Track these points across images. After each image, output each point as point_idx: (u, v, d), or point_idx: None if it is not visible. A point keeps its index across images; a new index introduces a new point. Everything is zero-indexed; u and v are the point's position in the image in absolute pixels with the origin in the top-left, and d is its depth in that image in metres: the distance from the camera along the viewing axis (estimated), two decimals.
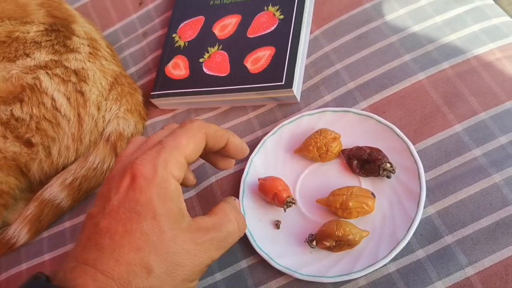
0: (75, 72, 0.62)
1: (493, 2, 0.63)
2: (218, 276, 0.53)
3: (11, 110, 0.59)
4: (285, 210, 0.52)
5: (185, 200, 0.58)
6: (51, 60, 0.62)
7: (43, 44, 0.62)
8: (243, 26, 0.66)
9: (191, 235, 0.39)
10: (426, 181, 0.50)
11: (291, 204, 0.52)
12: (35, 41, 0.62)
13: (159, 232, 0.37)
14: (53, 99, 0.60)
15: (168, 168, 0.39)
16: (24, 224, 0.61)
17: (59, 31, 0.64)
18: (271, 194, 0.52)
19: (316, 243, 0.50)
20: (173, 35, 0.70)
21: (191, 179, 0.49)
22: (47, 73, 0.61)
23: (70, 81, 0.61)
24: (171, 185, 0.39)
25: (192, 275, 0.39)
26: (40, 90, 0.60)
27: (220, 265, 0.54)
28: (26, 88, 0.59)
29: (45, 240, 0.62)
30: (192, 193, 0.60)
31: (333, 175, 0.54)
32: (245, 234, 0.53)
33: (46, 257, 0.61)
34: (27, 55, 0.61)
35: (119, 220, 0.37)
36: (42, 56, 0.61)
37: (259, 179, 0.55)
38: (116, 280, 0.36)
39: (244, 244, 0.53)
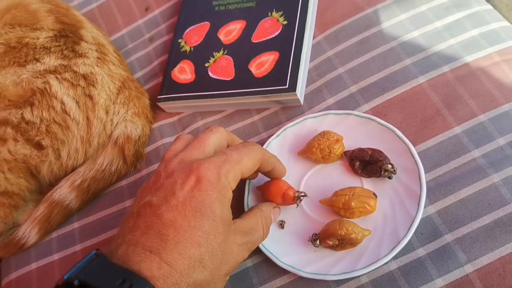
0: (84, 77, 0.63)
1: (492, 8, 0.64)
2: None
3: (22, 114, 0.60)
4: (297, 205, 0.53)
5: None
6: (60, 65, 0.63)
7: (52, 49, 0.64)
8: (248, 31, 0.67)
9: (235, 237, 0.44)
10: (427, 182, 0.52)
11: (302, 197, 0.53)
12: (44, 47, 0.64)
13: (216, 232, 0.42)
14: (62, 102, 0.62)
15: (228, 178, 0.44)
16: (34, 224, 0.62)
17: (67, 37, 0.66)
18: (279, 195, 0.53)
19: (320, 242, 0.51)
20: (179, 40, 0.71)
21: None
22: (57, 77, 0.62)
23: (79, 85, 0.63)
24: (228, 193, 0.44)
25: (230, 271, 0.44)
26: (50, 94, 0.61)
27: None
28: (36, 92, 0.61)
29: (54, 240, 0.64)
30: None
31: (335, 176, 0.55)
32: None
33: (55, 257, 0.62)
34: (37, 60, 0.63)
35: (184, 215, 0.41)
36: (51, 61, 0.63)
37: (257, 187, 0.56)
38: (178, 272, 0.39)
39: None
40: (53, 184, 0.64)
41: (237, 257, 0.45)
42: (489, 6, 0.64)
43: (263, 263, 0.54)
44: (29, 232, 0.63)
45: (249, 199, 0.57)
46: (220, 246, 0.42)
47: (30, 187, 0.63)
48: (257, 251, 0.54)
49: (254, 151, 0.48)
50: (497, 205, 0.49)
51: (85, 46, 0.66)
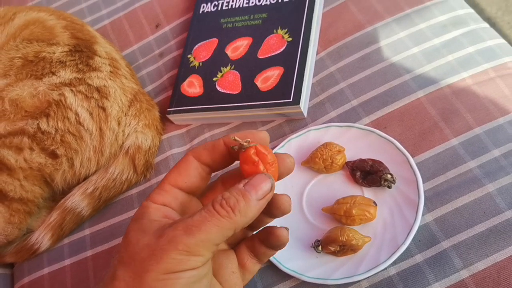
0: (97, 89, 0.66)
1: (488, 26, 0.67)
2: None
3: (38, 124, 0.63)
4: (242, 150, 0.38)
5: None
6: (75, 78, 0.66)
7: (67, 63, 0.67)
8: (254, 47, 0.71)
9: (157, 232, 0.36)
10: (424, 191, 0.54)
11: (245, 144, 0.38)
12: (60, 61, 0.67)
13: (126, 244, 0.37)
14: (77, 114, 0.64)
15: (149, 198, 0.39)
16: (47, 231, 0.65)
17: (82, 52, 0.69)
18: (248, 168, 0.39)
19: (322, 248, 0.53)
20: (189, 56, 0.74)
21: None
22: (72, 90, 0.65)
23: (93, 97, 0.66)
24: (149, 208, 0.38)
25: (162, 267, 0.34)
26: (65, 106, 0.64)
27: None
28: (52, 104, 0.64)
29: (66, 246, 0.66)
30: None
31: (337, 185, 0.58)
32: None
33: (67, 262, 0.65)
34: (53, 73, 0.66)
35: None
36: (66, 74, 0.66)
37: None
38: None
39: None
40: (66, 191, 0.67)
41: None
42: (486, 24, 0.67)
43: (267, 268, 0.56)
44: (42, 238, 0.65)
45: None
46: None
47: (44, 195, 0.66)
48: None
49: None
50: (492, 214, 0.51)
51: (99, 60, 0.70)
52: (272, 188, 0.37)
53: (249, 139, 0.37)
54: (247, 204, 0.35)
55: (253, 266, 0.43)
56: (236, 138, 0.37)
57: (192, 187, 0.39)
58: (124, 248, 0.35)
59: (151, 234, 0.35)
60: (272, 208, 0.39)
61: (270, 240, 0.41)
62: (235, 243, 0.43)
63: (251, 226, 0.41)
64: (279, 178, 0.40)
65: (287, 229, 0.42)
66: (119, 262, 0.35)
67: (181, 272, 0.33)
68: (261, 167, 0.37)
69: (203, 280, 0.35)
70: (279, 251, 0.55)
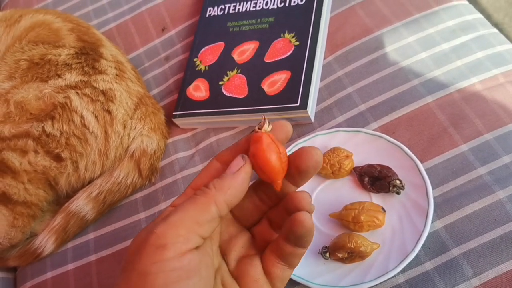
0: (103, 92, 0.66)
1: (497, 31, 0.67)
2: None
3: (43, 127, 0.63)
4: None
5: None
6: (80, 81, 0.66)
7: (73, 66, 0.67)
8: (261, 51, 0.70)
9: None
10: (434, 197, 0.53)
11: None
12: (66, 63, 0.67)
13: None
14: (82, 117, 0.64)
15: (171, 203, 0.39)
16: (50, 234, 0.64)
17: (88, 54, 0.69)
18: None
19: (329, 254, 0.52)
20: (195, 59, 0.74)
21: None
22: (77, 92, 0.65)
23: (98, 100, 0.65)
24: (165, 211, 0.38)
25: (143, 260, 0.32)
26: (70, 109, 0.64)
27: None
28: (57, 107, 0.63)
29: (69, 250, 0.66)
30: None
31: (345, 191, 0.57)
32: None
33: (70, 266, 0.64)
34: (59, 76, 0.65)
35: None
36: (72, 77, 0.66)
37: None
38: None
39: None
40: (70, 195, 0.66)
41: None
42: (495, 30, 0.66)
43: None
44: (45, 241, 0.64)
45: None
46: None
47: (48, 198, 0.65)
48: None
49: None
50: (502, 221, 0.50)
51: (105, 63, 0.69)
52: (245, 160, 0.35)
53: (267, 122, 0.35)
54: (220, 179, 0.34)
55: (282, 272, 0.38)
56: (264, 117, 0.36)
57: None
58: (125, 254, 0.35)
59: (144, 231, 0.34)
60: (295, 166, 0.35)
61: (294, 230, 0.35)
62: (263, 247, 0.39)
63: (276, 223, 0.38)
64: (308, 175, 0.36)
65: (310, 210, 0.36)
66: (119, 269, 0.34)
67: (162, 262, 0.31)
68: (270, 151, 0.34)
69: (193, 277, 0.32)
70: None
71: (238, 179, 0.34)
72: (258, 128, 0.35)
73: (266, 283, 0.38)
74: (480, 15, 0.69)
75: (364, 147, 0.59)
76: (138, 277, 0.31)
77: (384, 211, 0.53)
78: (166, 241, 0.31)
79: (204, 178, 0.37)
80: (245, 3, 0.76)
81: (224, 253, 0.39)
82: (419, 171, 0.55)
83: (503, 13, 1.32)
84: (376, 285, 0.50)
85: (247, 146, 0.36)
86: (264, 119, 0.35)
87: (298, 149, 0.35)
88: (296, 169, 0.35)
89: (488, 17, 1.29)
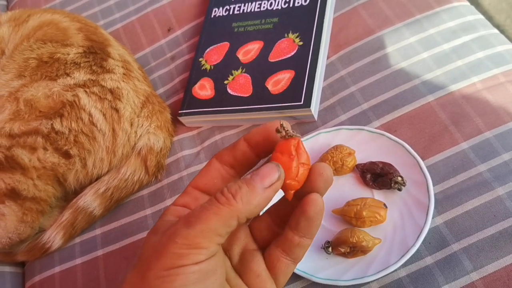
0: (111, 91, 0.67)
1: (497, 31, 0.68)
2: None
3: (52, 124, 0.64)
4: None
5: None
6: (89, 79, 0.67)
7: (81, 65, 0.68)
8: (265, 51, 0.71)
9: (164, 230, 0.35)
10: (435, 194, 0.54)
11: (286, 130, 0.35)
12: (74, 62, 0.68)
13: (140, 248, 0.36)
14: (90, 115, 0.65)
15: (173, 202, 0.38)
16: (58, 230, 0.66)
17: (96, 54, 0.70)
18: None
19: (332, 249, 0.54)
20: (200, 59, 0.75)
21: None
22: (85, 91, 0.66)
23: (106, 98, 0.67)
24: (169, 210, 0.37)
25: (163, 263, 0.32)
26: (79, 107, 0.65)
27: None
28: (66, 104, 0.65)
29: (77, 245, 0.67)
30: None
31: (348, 188, 0.58)
32: None
33: (78, 261, 0.65)
34: (67, 75, 0.67)
35: None
36: (81, 75, 0.67)
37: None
38: None
39: None
40: (78, 191, 0.68)
41: None
42: (495, 30, 0.67)
43: None
44: (53, 237, 0.66)
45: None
46: None
47: (57, 194, 0.67)
48: None
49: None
50: (502, 217, 0.52)
51: (112, 62, 0.71)
52: (280, 177, 0.33)
53: (293, 132, 0.34)
54: (251, 191, 0.32)
55: (286, 267, 0.38)
56: (284, 124, 0.34)
57: (212, 188, 0.37)
58: (138, 252, 0.34)
59: (159, 233, 0.33)
60: (311, 181, 0.35)
61: (307, 211, 0.35)
62: (265, 243, 0.39)
63: (281, 222, 0.38)
64: (319, 191, 0.35)
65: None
66: (130, 265, 0.34)
67: (182, 267, 0.31)
68: (295, 163, 0.34)
69: (211, 277, 0.32)
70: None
71: (267, 196, 0.33)
72: (283, 134, 0.34)
73: (269, 278, 0.38)
74: (480, 16, 0.70)
75: (367, 145, 0.60)
76: (155, 278, 0.31)
77: (386, 207, 0.54)
78: (188, 251, 0.31)
79: (205, 178, 0.37)
80: (249, 4, 0.77)
81: (226, 248, 0.39)
82: (420, 168, 0.56)
83: (505, 15, 1.33)
84: (378, 279, 0.52)
85: (245, 147, 0.36)
86: (281, 125, 0.34)
87: (303, 199, 0.35)
88: (304, 217, 0.35)
89: (489, 19, 1.30)
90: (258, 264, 0.38)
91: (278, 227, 0.39)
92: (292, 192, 0.35)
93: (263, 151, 0.37)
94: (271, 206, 0.40)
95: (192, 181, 0.38)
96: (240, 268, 0.38)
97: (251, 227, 0.40)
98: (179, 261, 0.31)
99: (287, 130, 0.34)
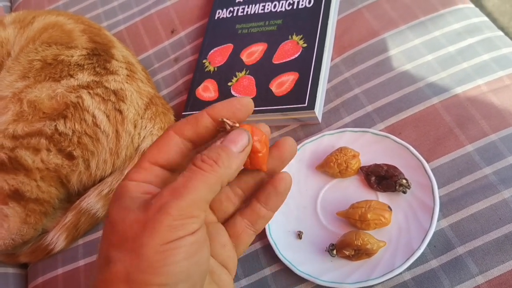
0: (114, 92, 0.67)
1: (502, 34, 0.68)
2: (243, 282, 0.57)
3: (55, 126, 0.64)
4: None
5: None
6: (92, 81, 0.67)
7: (85, 66, 0.68)
8: (269, 53, 0.71)
9: (142, 206, 0.33)
10: (440, 197, 0.54)
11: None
12: (78, 64, 0.68)
13: (110, 225, 0.33)
14: (94, 116, 0.65)
15: (127, 178, 0.36)
16: (62, 231, 0.65)
17: (100, 55, 0.70)
18: None
19: (336, 252, 0.53)
20: (204, 61, 0.75)
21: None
22: (89, 92, 0.66)
23: (110, 100, 0.67)
24: (127, 186, 0.35)
25: (158, 238, 0.31)
26: (82, 108, 0.65)
27: (245, 272, 0.58)
28: (70, 106, 0.65)
29: (80, 247, 0.67)
30: None
31: (352, 190, 0.58)
32: (269, 243, 0.57)
33: (81, 263, 0.65)
34: (71, 76, 0.67)
35: None
36: (84, 77, 0.67)
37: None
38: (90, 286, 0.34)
39: (268, 252, 0.57)
40: (81, 193, 0.67)
41: (146, 226, 0.32)
42: (500, 33, 0.67)
43: (281, 272, 0.56)
44: (56, 238, 0.66)
45: None
46: (119, 230, 0.33)
47: (60, 196, 0.67)
48: (276, 260, 0.56)
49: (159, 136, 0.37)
50: (507, 220, 0.51)
51: (116, 64, 0.71)
52: (249, 140, 0.35)
53: (237, 124, 0.35)
54: (228, 156, 0.33)
55: (249, 237, 0.40)
56: (225, 120, 0.35)
57: (172, 164, 0.36)
58: (110, 230, 0.33)
59: (135, 210, 0.32)
60: (276, 154, 0.38)
61: (277, 186, 0.38)
62: (225, 217, 0.40)
63: (245, 197, 0.40)
64: (284, 163, 0.39)
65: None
66: (109, 246, 0.33)
67: (180, 239, 0.31)
68: (258, 144, 0.36)
69: (204, 248, 0.33)
70: (293, 255, 0.55)
71: (242, 159, 0.34)
72: (229, 128, 0.35)
73: (233, 248, 0.39)
74: (485, 18, 0.70)
75: (371, 147, 0.60)
76: (155, 253, 0.31)
77: (391, 209, 0.54)
78: (182, 222, 0.31)
79: (164, 153, 0.36)
80: (253, 5, 0.77)
81: None
82: (425, 170, 0.55)
83: (508, 17, 1.33)
84: (383, 282, 0.51)
85: (209, 122, 0.35)
86: (226, 121, 0.35)
87: (277, 142, 0.38)
88: (274, 192, 0.38)
89: (493, 21, 1.30)
90: (223, 235, 0.39)
91: (239, 198, 0.40)
92: (265, 165, 0.37)
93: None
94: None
95: (147, 154, 0.36)
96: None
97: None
98: (176, 233, 0.31)
99: (230, 123, 0.35)
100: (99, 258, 0.34)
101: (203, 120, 0.36)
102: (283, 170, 0.39)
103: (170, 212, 0.31)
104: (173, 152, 0.36)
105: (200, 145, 0.37)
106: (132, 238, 0.32)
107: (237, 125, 0.35)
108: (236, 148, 0.34)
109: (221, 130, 0.35)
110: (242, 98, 0.36)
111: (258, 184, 0.39)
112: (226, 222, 0.40)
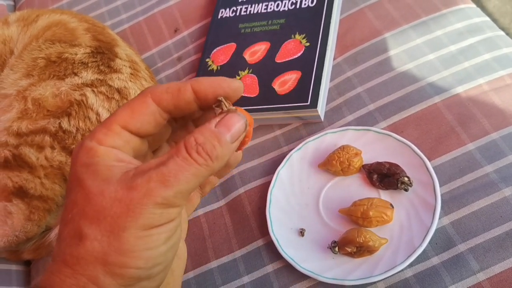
0: (118, 91, 0.68)
1: (503, 33, 0.68)
2: (246, 279, 0.57)
3: (60, 123, 0.64)
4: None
5: (215, 210, 0.63)
6: (96, 79, 0.68)
7: (89, 64, 0.69)
8: (272, 52, 0.72)
9: (124, 182, 0.31)
10: (441, 194, 0.54)
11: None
12: (82, 62, 0.68)
13: (85, 195, 0.32)
14: (97, 114, 0.66)
15: (94, 139, 0.33)
16: None
17: (103, 54, 0.71)
18: None
19: (339, 249, 0.54)
20: (207, 60, 0.76)
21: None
22: (93, 90, 0.66)
23: (114, 98, 0.67)
24: (98, 151, 0.33)
25: (141, 223, 0.31)
26: (86, 106, 0.65)
27: (247, 268, 0.58)
28: (74, 104, 0.65)
29: None
30: (221, 203, 0.64)
31: (354, 188, 0.58)
32: (271, 240, 0.57)
33: None
34: (75, 74, 0.67)
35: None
36: (88, 75, 0.68)
37: None
38: (56, 259, 0.33)
39: (271, 250, 0.58)
40: None
41: (134, 202, 0.31)
42: (501, 32, 0.68)
43: (283, 268, 0.56)
44: None
45: (271, 209, 0.60)
46: (95, 205, 0.32)
47: (64, 193, 0.67)
48: (278, 257, 0.57)
49: (132, 98, 0.35)
50: (508, 218, 0.52)
51: (120, 62, 0.71)
52: (246, 128, 0.34)
53: (233, 107, 0.34)
54: (224, 149, 0.32)
55: (197, 199, 0.41)
56: (223, 100, 0.34)
57: (144, 133, 0.35)
58: (85, 201, 0.31)
59: (116, 183, 0.31)
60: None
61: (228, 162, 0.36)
62: None
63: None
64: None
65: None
66: (81, 217, 0.31)
67: (161, 226, 0.31)
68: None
69: (178, 231, 0.34)
70: (295, 252, 0.56)
71: (234, 148, 0.33)
72: (225, 109, 0.34)
73: (185, 211, 0.41)
74: (487, 18, 0.70)
75: (373, 145, 0.60)
76: (136, 238, 0.31)
77: (393, 207, 0.54)
78: (166, 210, 0.32)
79: (137, 120, 0.34)
80: (256, 5, 0.77)
81: None
82: (427, 169, 0.56)
83: (509, 18, 1.33)
84: (384, 279, 0.52)
85: (191, 97, 0.34)
86: (223, 101, 0.34)
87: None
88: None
89: (494, 22, 1.30)
90: None
91: None
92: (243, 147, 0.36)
93: (208, 104, 0.35)
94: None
95: (118, 117, 0.34)
96: None
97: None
98: (158, 220, 0.31)
99: (226, 105, 0.34)
100: (66, 227, 0.32)
101: (186, 94, 0.34)
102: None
103: (156, 199, 0.31)
104: (147, 120, 0.34)
105: (178, 116, 0.36)
106: (112, 217, 0.31)
107: (234, 108, 0.33)
108: (231, 138, 0.33)
109: (215, 107, 0.34)
110: (233, 81, 0.35)
111: None
112: None
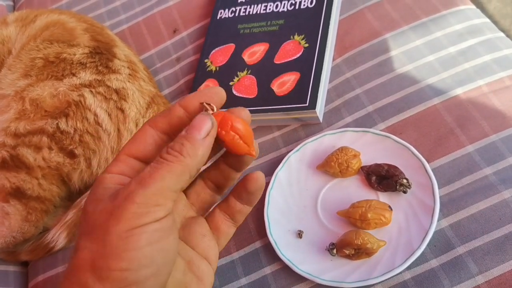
0: (116, 91, 0.68)
1: (503, 35, 0.68)
2: (243, 281, 0.57)
3: (57, 124, 0.64)
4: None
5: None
6: (94, 79, 0.67)
7: (87, 65, 0.68)
8: (271, 53, 0.71)
9: (112, 196, 0.34)
10: (440, 197, 0.54)
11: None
12: (80, 62, 0.68)
13: (83, 216, 0.35)
14: (95, 114, 0.66)
15: (105, 170, 0.36)
16: (62, 229, 0.66)
17: (102, 54, 0.70)
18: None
19: (337, 251, 0.53)
20: (205, 60, 0.75)
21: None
22: (91, 91, 0.66)
23: (112, 99, 0.67)
24: (105, 178, 0.36)
25: (123, 224, 0.32)
26: (84, 106, 0.65)
27: (245, 270, 0.58)
28: (72, 104, 0.65)
29: None
30: None
31: (352, 190, 0.58)
32: (269, 242, 0.57)
33: None
34: (73, 75, 0.67)
35: None
36: (86, 75, 0.67)
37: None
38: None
39: (269, 251, 0.57)
40: (82, 191, 0.68)
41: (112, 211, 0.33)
42: (501, 34, 0.67)
43: (281, 270, 0.56)
44: (57, 236, 0.66)
45: (269, 210, 0.59)
46: (88, 224, 0.34)
47: (61, 194, 0.67)
48: (276, 259, 0.56)
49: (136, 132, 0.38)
50: (507, 220, 0.51)
51: (118, 63, 0.71)
52: (213, 124, 0.35)
53: (214, 106, 0.36)
54: (192, 145, 0.34)
55: (228, 228, 0.42)
56: (205, 103, 0.36)
57: (148, 156, 0.37)
58: (83, 220, 0.34)
59: (106, 199, 0.33)
60: (235, 160, 0.39)
61: (248, 187, 0.40)
62: (205, 210, 0.42)
63: (219, 187, 0.41)
64: (253, 195, 0.40)
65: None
66: (80, 234, 0.34)
67: (144, 226, 0.32)
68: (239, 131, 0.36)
69: (170, 236, 0.34)
70: (293, 254, 0.55)
71: (207, 144, 0.35)
72: (209, 110, 0.36)
73: (213, 238, 0.41)
74: (487, 20, 0.70)
75: (372, 147, 0.60)
76: (118, 239, 0.32)
77: (391, 209, 0.54)
78: (147, 210, 0.32)
79: (139, 145, 0.37)
80: (255, 6, 0.77)
81: None
82: (426, 170, 0.56)
83: (510, 19, 1.33)
84: (382, 281, 0.51)
85: (181, 113, 0.37)
86: (205, 104, 0.36)
87: (246, 175, 0.40)
88: (245, 191, 0.40)
89: (494, 23, 1.30)
90: (203, 226, 0.41)
91: (213, 190, 0.42)
92: (253, 148, 0.37)
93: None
94: (203, 172, 0.42)
95: (124, 148, 0.37)
96: (184, 233, 0.40)
97: (188, 195, 0.42)
98: (140, 220, 0.32)
99: (206, 107, 0.36)
100: (73, 246, 0.34)
101: (176, 111, 0.37)
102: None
103: (136, 200, 0.32)
104: (148, 144, 0.37)
105: (175, 136, 0.37)
106: (99, 226, 0.32)
107: (214, 107, 0.36)
108: (200, 135, 0.34)
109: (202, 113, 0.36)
110: (213, 88, 0.38)
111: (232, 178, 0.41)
112: (209, 214, 0.42)
